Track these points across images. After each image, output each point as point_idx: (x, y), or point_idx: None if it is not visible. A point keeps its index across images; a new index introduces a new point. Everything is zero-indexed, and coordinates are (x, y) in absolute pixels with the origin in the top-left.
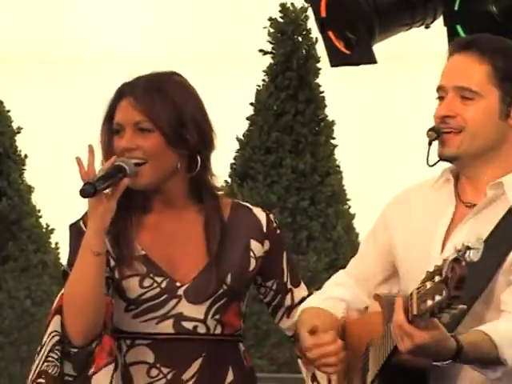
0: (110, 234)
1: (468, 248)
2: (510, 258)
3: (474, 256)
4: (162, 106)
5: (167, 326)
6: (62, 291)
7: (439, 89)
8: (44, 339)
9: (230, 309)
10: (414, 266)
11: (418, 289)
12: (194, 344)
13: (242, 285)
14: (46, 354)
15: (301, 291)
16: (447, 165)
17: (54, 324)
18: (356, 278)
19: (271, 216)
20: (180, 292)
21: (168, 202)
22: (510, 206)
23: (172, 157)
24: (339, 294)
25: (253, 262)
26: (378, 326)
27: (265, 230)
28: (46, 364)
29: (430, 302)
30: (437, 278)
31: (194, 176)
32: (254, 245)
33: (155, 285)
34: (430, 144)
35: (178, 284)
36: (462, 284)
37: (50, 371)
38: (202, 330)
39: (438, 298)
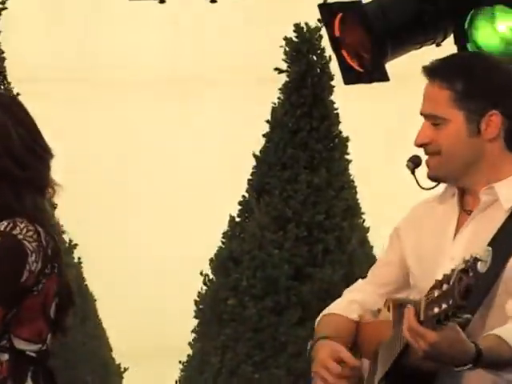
0: None
1: (476, 259)
2: (509, 266)
3: (481, 267)
4: None
5: None
6: None
7: (421, 114)
8: None
9: None
10: (425, 277)
11: (426, 296)
12: None
13: None
14: None
15: None
16: None
17: None
18: (375, 284)
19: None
20: None
21: None
22: (506, 214)
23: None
24: (352, 298)
25: None
26: (388, 330)
27: None
28: None
29: (436, 310)
30: (445, 287)
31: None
32: None
33: None
34: (413, 173)
35: None
36: (468, 294)
37: None
38: None
39: (444, 306)
